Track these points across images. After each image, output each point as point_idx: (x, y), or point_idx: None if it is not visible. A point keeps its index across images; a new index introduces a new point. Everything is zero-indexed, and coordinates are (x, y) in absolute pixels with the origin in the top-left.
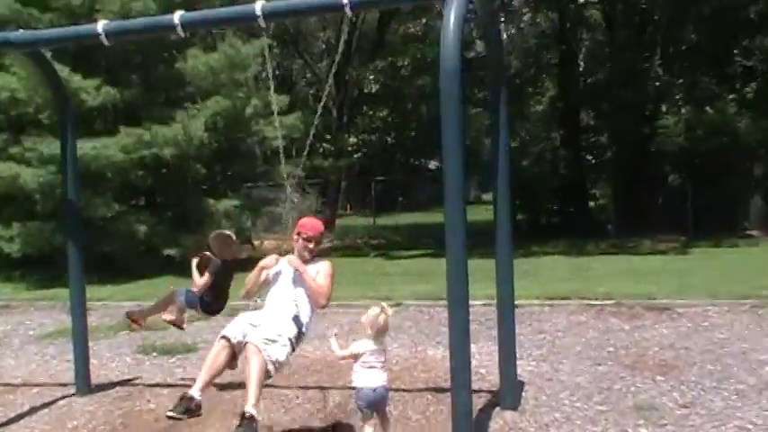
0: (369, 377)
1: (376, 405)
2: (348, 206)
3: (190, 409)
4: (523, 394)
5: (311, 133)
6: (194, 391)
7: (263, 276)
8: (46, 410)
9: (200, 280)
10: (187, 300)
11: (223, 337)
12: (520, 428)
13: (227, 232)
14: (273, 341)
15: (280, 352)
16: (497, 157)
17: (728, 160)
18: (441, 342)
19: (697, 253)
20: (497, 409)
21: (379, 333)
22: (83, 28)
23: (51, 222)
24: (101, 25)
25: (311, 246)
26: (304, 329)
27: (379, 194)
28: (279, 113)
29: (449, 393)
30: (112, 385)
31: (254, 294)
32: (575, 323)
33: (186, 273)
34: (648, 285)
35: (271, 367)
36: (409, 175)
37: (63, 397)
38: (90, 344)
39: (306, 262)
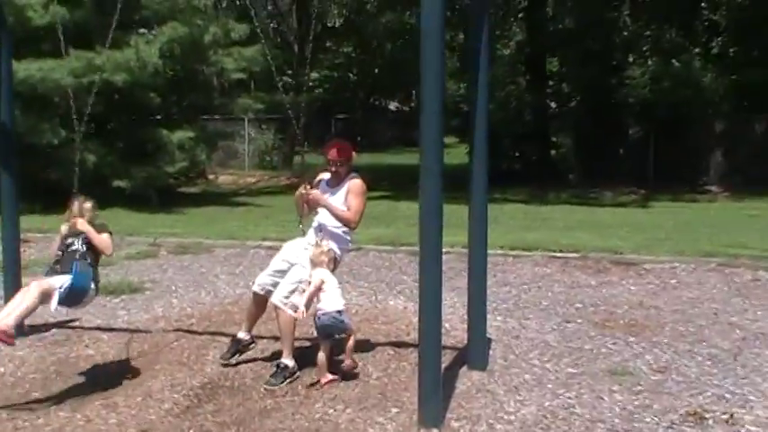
0: None
1: None
2: (306, 143)
3: (238, 350)
4: (491, 352)
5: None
6: (241, 333)
7: (300, 206)
8: None
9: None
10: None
11: (253, 292)
12: (488, 390)
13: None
14: (293, 291)
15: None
16: (476, 99)
17: (691, 114)
18: (401, 291)
19: (658, 207)
20: (464, 368)
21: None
22: None
23: None
24: None
25: (333, 169)
26: (338, 257)
27: (339, 133)
28: (238, 44)
29: (412, 349)
30: (48, 327)
31: (305, 217)
32: (540, 276)
33: (134, 205)
34: (613, 239)
35: (297, 315)
36: (370, 114)
37: None
38: (24, 279)
39: (335, 185)
